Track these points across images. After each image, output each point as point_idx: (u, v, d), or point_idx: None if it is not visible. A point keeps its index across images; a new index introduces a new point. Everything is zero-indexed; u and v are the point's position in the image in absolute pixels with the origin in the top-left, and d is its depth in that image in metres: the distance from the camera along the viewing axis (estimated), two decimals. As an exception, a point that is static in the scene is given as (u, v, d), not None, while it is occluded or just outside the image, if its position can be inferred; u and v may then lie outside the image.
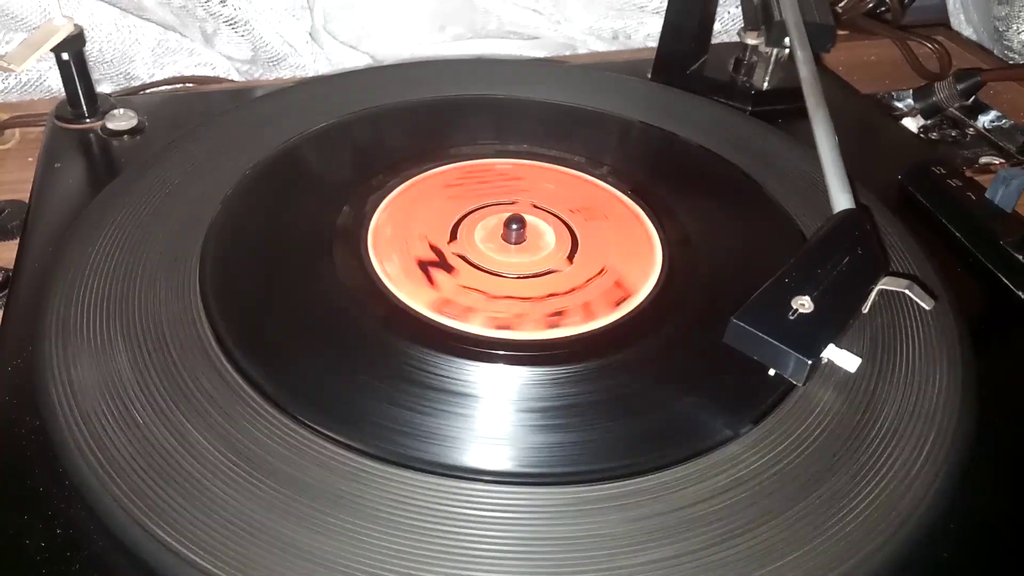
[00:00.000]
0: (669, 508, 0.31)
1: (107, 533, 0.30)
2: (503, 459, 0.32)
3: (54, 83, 0.62)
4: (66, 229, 0.43)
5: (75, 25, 0.52)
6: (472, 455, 0.32)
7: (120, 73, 0.65)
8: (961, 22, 0.77)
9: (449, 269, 0.41)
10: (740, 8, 0.65)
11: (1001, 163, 0.59)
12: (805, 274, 0.36)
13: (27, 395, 0.35)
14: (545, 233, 0.44)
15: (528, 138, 0.51)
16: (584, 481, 0.31)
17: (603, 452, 0.33)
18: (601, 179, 0.48)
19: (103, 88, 0.64)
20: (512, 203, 0.45)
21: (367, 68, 0.67)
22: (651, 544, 0.30)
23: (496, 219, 0.44)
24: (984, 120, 0.63)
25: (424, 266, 0.41)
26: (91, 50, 0.62)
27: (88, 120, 0.54)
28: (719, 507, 0.31)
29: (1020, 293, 0.44)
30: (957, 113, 0.63)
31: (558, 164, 0.49)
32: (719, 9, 0.67)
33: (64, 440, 0.32)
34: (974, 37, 0.77)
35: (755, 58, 0.60)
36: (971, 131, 0.62)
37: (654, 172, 0.50)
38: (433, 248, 0.42)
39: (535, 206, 0.46)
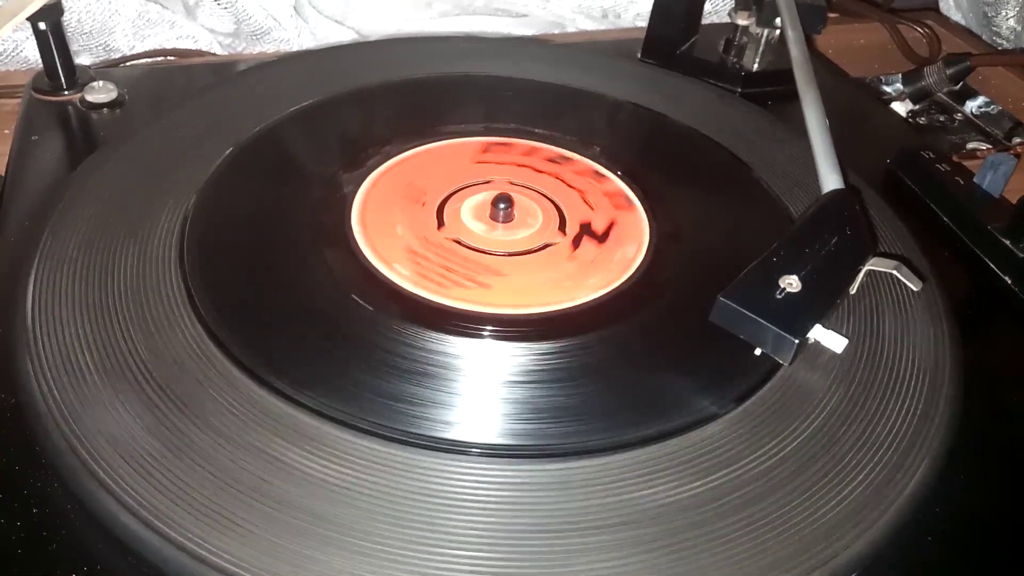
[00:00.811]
0: (647, 486, 0.31)
1: (85, 512, 0.29)
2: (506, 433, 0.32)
3: (31, 53, 0.61)
4: (43, 203, 0.42)
5: (52, -6, 0.51)
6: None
7: (100, 45, 0.64)
8: (950, 7, 0.77)
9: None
10: (731, -12, 0.64)
11: (989, 148, 0.59)
12: (793, 253, 0.36)
13: (2, 372, 0.34)
14: (529, 208, 0.44)
15: (514, 118, 0.50)
16: (565, 454, 0.31)
17: (585, 427, 0.33)
18: (580, 153, 0.48)
19: (82, 60, 0.62)
20: (488, 182, 0.45)
21: (349, 44, 0.66)
22: (629, 524, 0.29)
23: (479, 199, 0.43)
24: (972, 105, 0.63)
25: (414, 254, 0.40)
26: (70, 20, 0.61)
27: (67, 92, 0.53)
28: (702, 487, 0.31)
29: (1007, 278, 0.44)
30: (946, 98, 0.63)
31: (526, 139, 0.49)
32: (710, -11, 0.67)
33: (40, 418, 0.31)
34: (963, 22, 0.77)
35: (745, 39, 0.60)
36: (959, 116, 0.62)
37: (643, 153, 0.49)
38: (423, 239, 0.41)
39: (512, 183, 0.45)
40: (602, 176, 0.46)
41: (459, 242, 0.41)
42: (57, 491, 0.30)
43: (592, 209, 0.44)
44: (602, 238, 0.42)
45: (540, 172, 0.46)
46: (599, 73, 0.55)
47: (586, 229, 0.43)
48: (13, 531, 0.29)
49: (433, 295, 0.37)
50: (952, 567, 0.32)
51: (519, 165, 0.47)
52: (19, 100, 0.54)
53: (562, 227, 0.43)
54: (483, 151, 0.47)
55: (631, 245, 0.42)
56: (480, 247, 0.41)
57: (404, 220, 0.42)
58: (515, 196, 0.43)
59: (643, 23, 0.63)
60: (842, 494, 0.31)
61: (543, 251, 0.41)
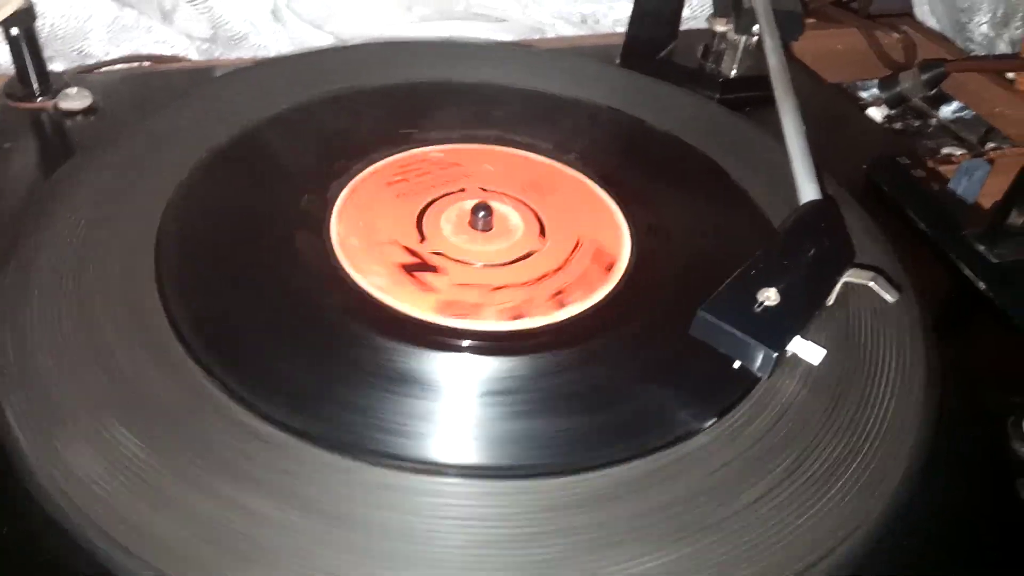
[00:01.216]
0: (635, 501, 0.31)
1: (57, 529, 0.29)
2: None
3: (3, 59, 0.60)
4: (17, 211, 0.42)
5: (25, 0, 0.50)
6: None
7: (74, 50, 0.63)
8: (925, 12, 0.78)
9: (434, 269, 0.40)
10: (709, -6, 0.65)
11: (964, 154, 0.59)
12: (771, 266, 0.36)
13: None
14: (508, 215, 0.43)
15: (495, 124, 0.50)
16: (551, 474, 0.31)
17: (567, 446, 0.32)
18: (557, 160, 0.48)
19: (56, 66, 0.61)
20: (461, 190, 0.45)
21: (326, 49, 0.65)
22: (617, 539, 0.29)
23: (456, 209, 0.43)
24: (947, 110, 0.64)
25: (409, 270, 0.39)
26: (43, 26, 0.60)
27: (40, 99, 0.52)
28: (683, 501, 0.31)
29: (981, 283, 0.45)
30: (921, 103, 0.64)
31: (498, 145, 0.49)
32: (688, -5, 0.67)
33: (12, 439, 0.31)
34: (937, 28, 0.78)
35: (724, 45, 0.60)
36: (934, 121, 0.63)
37: (622, 159, 0.49)
38: (409, 251, 0.41)
39: (484, 189, 0.45)
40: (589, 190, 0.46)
41: (442, 255, 0.41)
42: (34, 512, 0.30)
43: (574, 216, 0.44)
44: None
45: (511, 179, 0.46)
46: (578, 78, 0.55)
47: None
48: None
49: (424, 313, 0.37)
50: (934, 569, 0.32)
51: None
52: (-9, 107, 0.53)
53: (542, 233, 0.43)
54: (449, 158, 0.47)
55: (612, 238, 0.42)
56: (461, 258, 0.40)
57: (388, 233, 0.41)
58: (492, 204, 0.43)
59: (622, 29, 0.63)
60: (823, 502, 0.31)
61: (528, 259, 0.41)
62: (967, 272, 0.46)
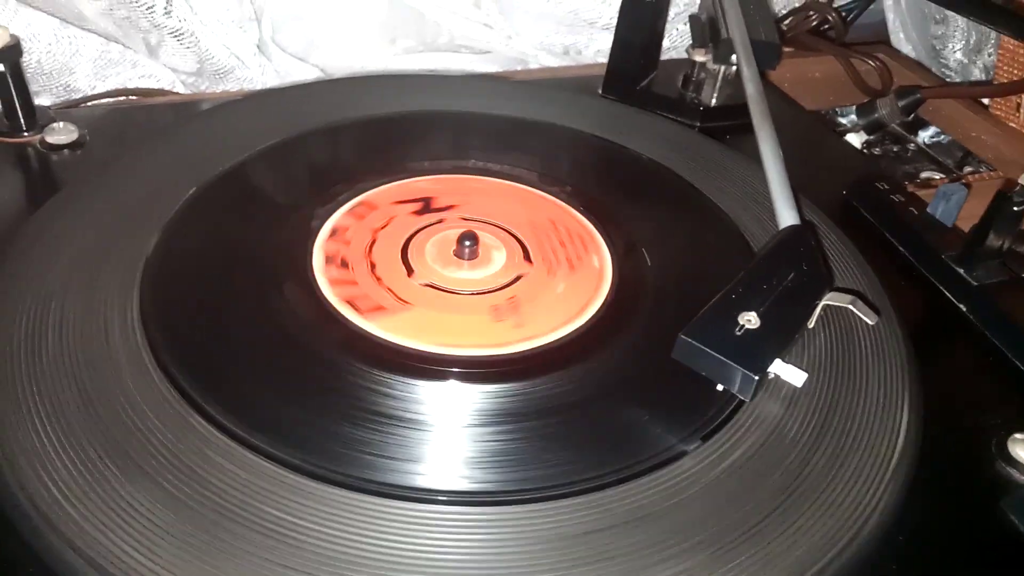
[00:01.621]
0: (616, 523, 0.31)
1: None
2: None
3: (-11, 95, 0.60)
4: (2, 245, 0.42)
5: (10, 35, 0.51)
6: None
7: (60, 85, 0.63)
8: (901, 40, 0.80)
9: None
10: (688, 25, 0.66)
11: (942, 178, 0.60)
12: (751, 290, 0.36)
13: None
14: (490, 243, 0.44)
15: (476, 154, 0.51)
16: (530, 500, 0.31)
17: (550, 469, 0.33)
18: (540, 188, 0.49)
19: (42, 100, 0.62)
20: (440, 221, 0.45)
21: (314, 82, 0.66)
22: (599, 562, 0.29)
23: (437, 240, 0.44)
24: (924, 136, 0.65)
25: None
26: (29, 61, 0.60)
27: (26, 134, 0.53)
28: (668, 522, 0.31)
29: (961, 306, 0.45)
30: (899, 129, 0.65)
31: (471, 174, 0.49)
32: (668, 26, 0.68)
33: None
34: (913, 55, 0.79)
35: (703, 75, 0.61)
36: (912, 146, 0.64)
37: (604, 187, 0.50)
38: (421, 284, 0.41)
39: (464, 219, 0.45)
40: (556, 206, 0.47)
41: (433, 286, 0.41)
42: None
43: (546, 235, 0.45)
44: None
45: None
46: (560, 108, 0.56)
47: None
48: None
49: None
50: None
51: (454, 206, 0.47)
52: (-23, 142, 0.53)
53: (527, 257, 0.43)
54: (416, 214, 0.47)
55: (596, 256, 0.43)
56: (456, 289, 0.41)
57: (380, 263, 0.42)
58: (477, 232, 0.43)
59: (604, 59, 0.64)
60: (806, 527, 0.31)
61: (518, 282, 0.42)
62: (947, 294, 0.46)
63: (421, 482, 0.32)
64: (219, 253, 0.42)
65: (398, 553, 0.29)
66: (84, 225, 0.42)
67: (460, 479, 0.32)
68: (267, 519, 0.30)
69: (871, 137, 0.64)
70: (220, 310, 0.39)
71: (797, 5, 0.75)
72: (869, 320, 0.37)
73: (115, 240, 0.41)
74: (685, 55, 0.63)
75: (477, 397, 0.35)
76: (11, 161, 0.51)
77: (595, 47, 0.72)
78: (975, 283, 0.45)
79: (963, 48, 0.75)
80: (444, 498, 0.31)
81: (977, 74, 0.76)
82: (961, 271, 0.46)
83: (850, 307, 0.37)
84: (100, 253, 0.41)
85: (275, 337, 0.37)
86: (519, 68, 0.72)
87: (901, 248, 0.49)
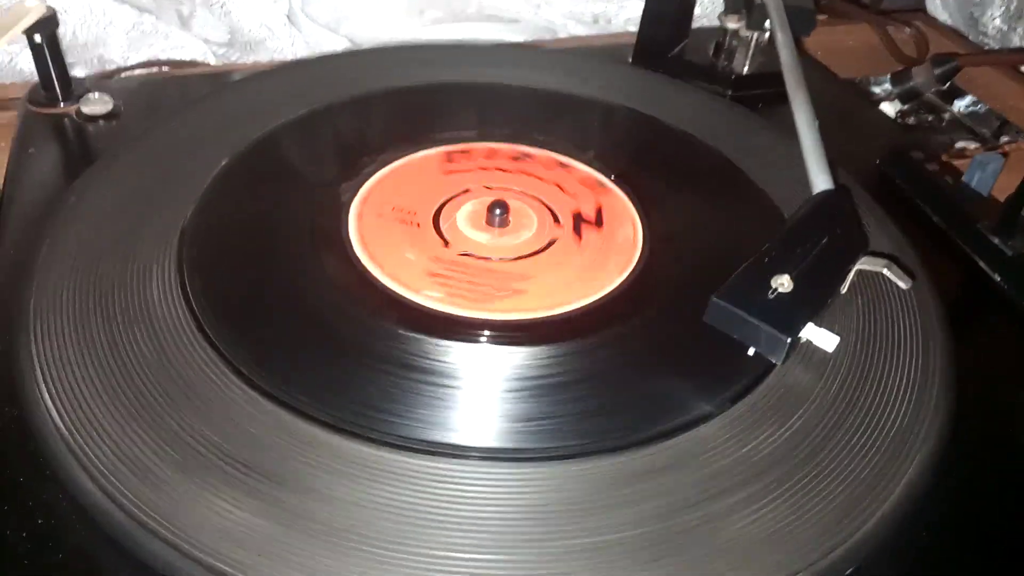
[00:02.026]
0: (644, 483, 0.31)
1: (90, 522, 0.30)
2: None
3: (26, 66, 0.61)
4: (42, 215, 0.43)
5: (47, 7, 0.51)
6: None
7: (94, 57, 0.64)
8: (937, 7, 0.78)
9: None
10: (720, -8, 0.65)
11: (977, 148, 0.59)
12: (785, 253, 0.36)
13: (5, 385, 0.34)
14: (520, 209, 0.44)
15: (507, 124, 0.51)
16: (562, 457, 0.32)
17: (579, 430, 0.33)
18: (572, 158, 0.48)
19: (77, 72, 0.63)
20: (465, 191, 0.45)
21: (344, 52, 0.66)
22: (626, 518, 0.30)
23: (468, 209, 0.44)
24: (960, 105, 0.64)
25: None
26: (64, 33, 0.61)
27: (63, 104, 0.53)
28: (694, 488, 0.31)
29: (996, 276, 0.45)
30: (934, 98, 0.64)
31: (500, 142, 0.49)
32: (699, -7, 0.67)
33: (44, 429, 0.32)
34: (950, 22, 0.78)
35: (735, 42, 0.60)
36: (947, 116, 0.63)
37: (635, 157, 0.50)
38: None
39: (488, 187, 0.45)
40: (568, 166, 0.47)
41: (469, 255, 0.41)
42: (61, 502, 0.31)
43: (574, 198, 0.45)
44: (598, 223, 0.43)
45: (508, 172, 0.47)
46: (590, 78, 0.56)
47: (579, 218, 0.44)
48: (19, 542, 0.30)
49: (477, 311, 0.38)
50: (948, 560, 0.32)
51: (485, 169, 0.47)
52: (15, 113, 0.54)
53: (556, 220, 0.43)
54: (447, 160, 0.47)
55: (627, 226, 0.43)
56: (490, 255, 0.41)
57: (410, 244, 0.41)
58: (508, 199, 0.43)
59: (634, 28, 0.63)
60: (837, 491, 0.31)
61: (552, 247, 0.42)
62: (982, 264, 0.46)
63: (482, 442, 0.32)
64: (255, 221, 0.42)
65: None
66: (122, 195, 0.43)
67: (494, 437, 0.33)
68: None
69: (905, 106, 0.63)
70: (262, 280, 0.39)
71: (831, -29, 0.74)
72: (903, 284, 0.37)
73: (154, 209, 0.42)
74: (717, 23, 0.62)
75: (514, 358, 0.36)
76: (48, 132, 0.52)
77: (625, 15, 0.71)
78: (1010, 252, 0.45)
79: (1003, 15, 0.74)
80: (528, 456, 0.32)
81: (1017, 41, 0.74)
82: (996, 241, 0.45)
83: (884, 271, 0.36)
84: (138, 221, 0.41)
85: (317, 305, 0.38)
86: (548, 37, 0.72)
87: (935, 218, 0.49)
